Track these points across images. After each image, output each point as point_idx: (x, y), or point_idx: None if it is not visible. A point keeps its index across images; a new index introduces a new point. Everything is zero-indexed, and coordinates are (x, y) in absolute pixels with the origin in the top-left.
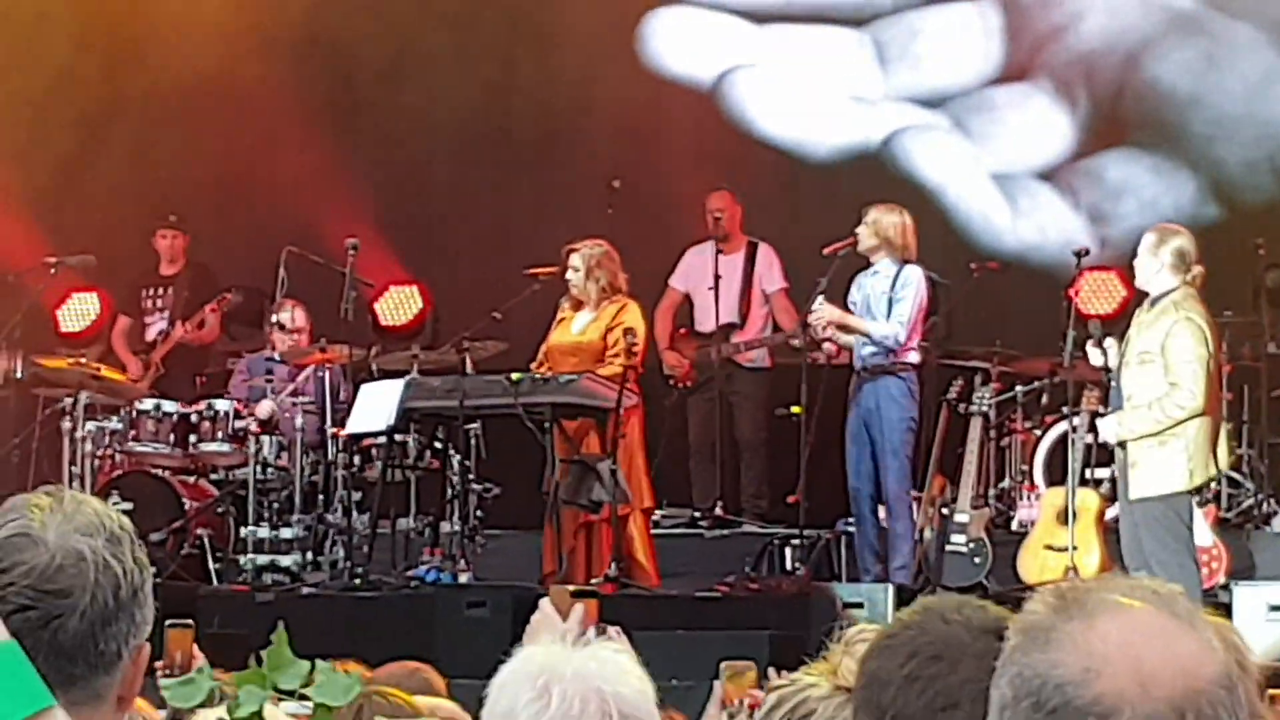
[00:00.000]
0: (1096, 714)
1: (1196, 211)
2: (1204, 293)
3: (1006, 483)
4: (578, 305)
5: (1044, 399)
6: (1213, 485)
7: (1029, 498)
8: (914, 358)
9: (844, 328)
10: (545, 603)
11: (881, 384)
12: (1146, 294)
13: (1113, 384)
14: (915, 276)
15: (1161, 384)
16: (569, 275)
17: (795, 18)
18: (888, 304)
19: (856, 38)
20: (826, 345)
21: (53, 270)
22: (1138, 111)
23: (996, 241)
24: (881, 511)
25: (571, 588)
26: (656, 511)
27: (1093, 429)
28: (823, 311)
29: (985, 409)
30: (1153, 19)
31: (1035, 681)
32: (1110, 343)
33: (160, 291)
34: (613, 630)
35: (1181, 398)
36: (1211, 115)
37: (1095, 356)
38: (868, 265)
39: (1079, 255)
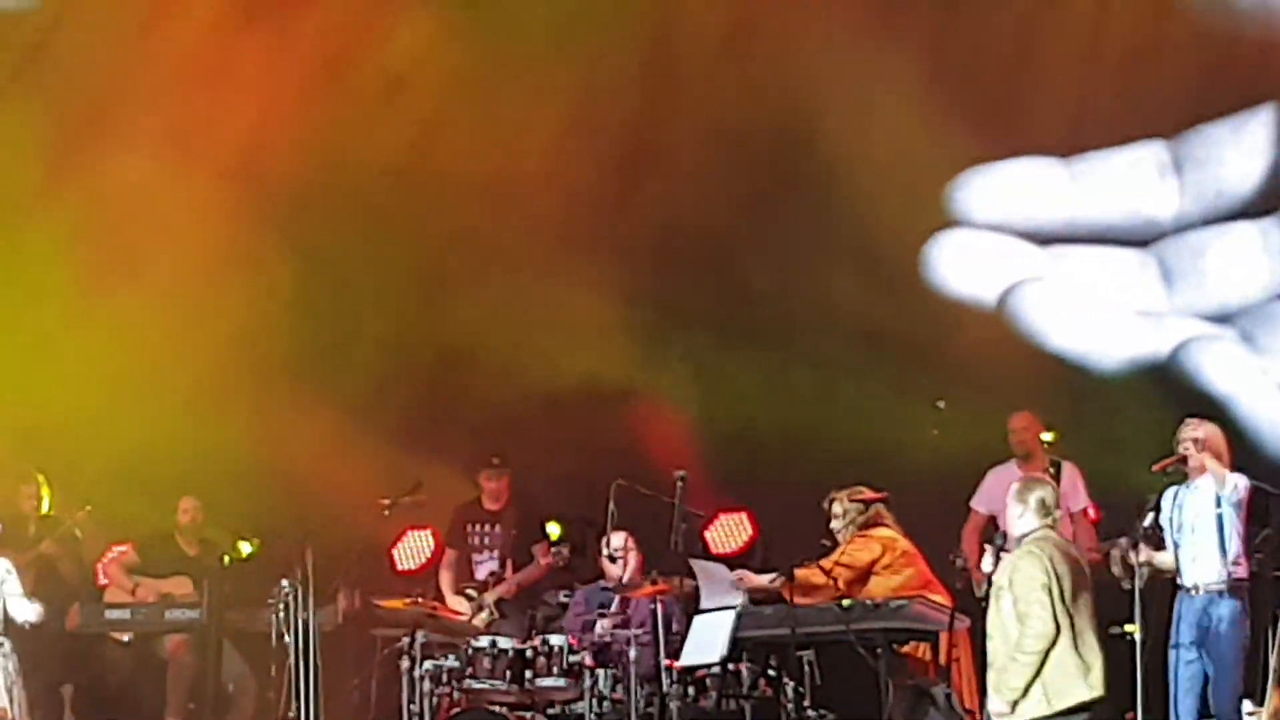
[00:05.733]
0: None
1: None
2: None
3: None
4: None
5: None
6: None
7: None
8: (1243, 573)
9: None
10: None
11: (1217, 602)
12: None
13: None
14: (1244, 483)
15: (1012, 613)
16: (832, 523)
17: (1077, 238)
18: (1216, 521)
19: (1139, 257)
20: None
21: (387, 511)
22: None
23: None
24: None
25: None
26: None
27: None
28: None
29: None
30: None
31: None
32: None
33: (487, 529)
34: None
35: (1032, 630)
36: None
37: (986, 562)
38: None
39: None
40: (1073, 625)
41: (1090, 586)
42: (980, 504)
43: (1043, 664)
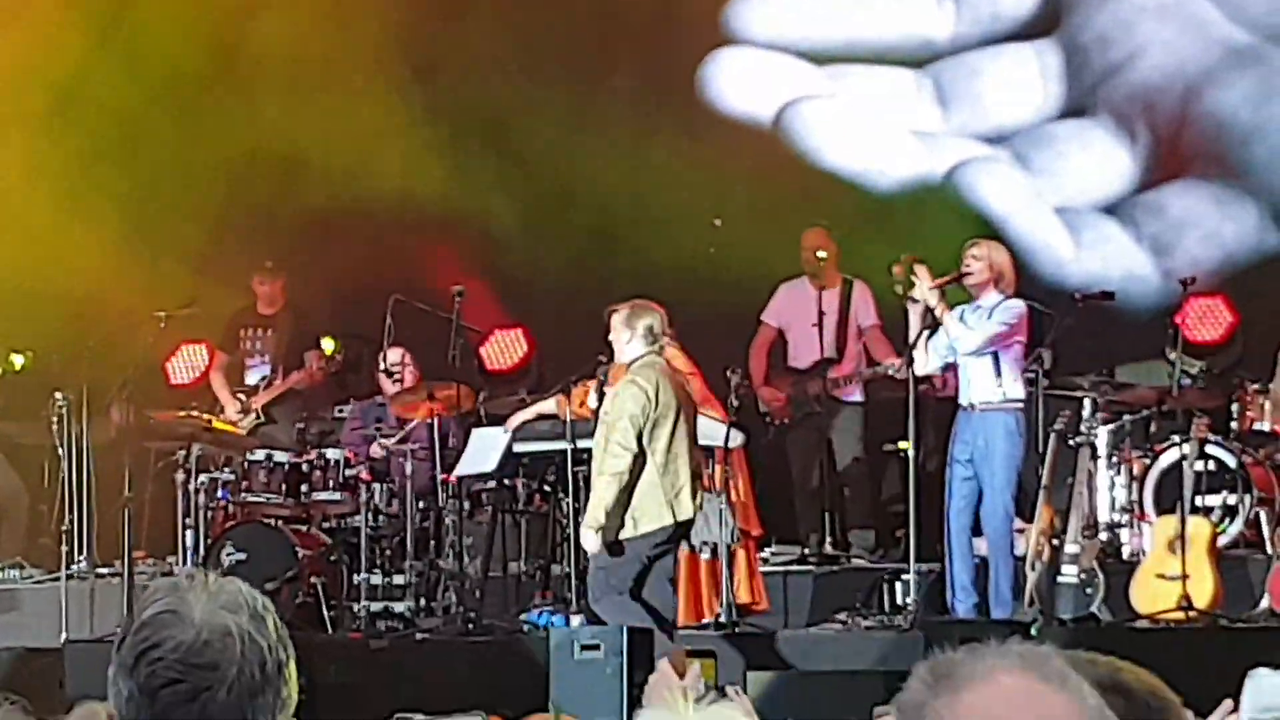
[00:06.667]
0: None
1: (1259, 240)
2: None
3: (1117, 512)
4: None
5: (1153, 427)
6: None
7: (1140, 527)
8: (1019, 392)
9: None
10: (663, 663)
11: (990, 419)
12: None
13: None
14: (1017, 306)
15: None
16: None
17: (854, 58)
18: None
19: (915, 78)
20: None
21: (162, 325)
22: (1198, 144)
23: (1060, 274)
24: (978, 544)
25: (688, 647)
26: (766, 549)
27: (1203, 456)
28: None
29: (1093, 439)
30: (1211, 52)
31: None
32: None
33: (260, 333)
34: (732, 690)
35: (607, 457)
36: (1272, 144)
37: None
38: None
39: (1185, 283)
40: (668, 451)
41: (693, 415)
42: (770, 318)
43: (632, 489)
